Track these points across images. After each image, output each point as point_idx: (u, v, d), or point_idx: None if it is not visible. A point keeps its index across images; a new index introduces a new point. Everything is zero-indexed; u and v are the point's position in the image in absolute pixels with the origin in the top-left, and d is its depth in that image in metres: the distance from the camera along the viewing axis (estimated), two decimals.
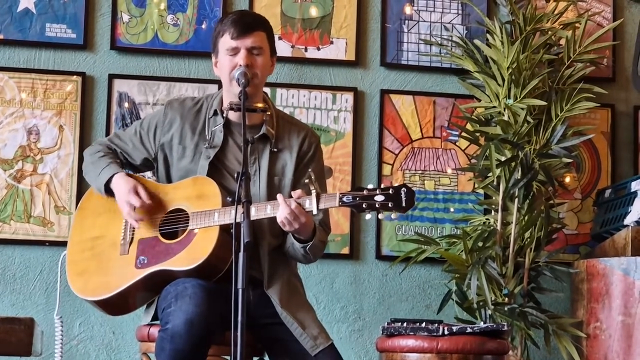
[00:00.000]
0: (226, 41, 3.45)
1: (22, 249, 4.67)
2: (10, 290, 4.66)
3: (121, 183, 3.47)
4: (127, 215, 3.44)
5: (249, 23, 3.47)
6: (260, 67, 3.46)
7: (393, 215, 3.23)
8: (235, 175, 3.07)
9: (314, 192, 3.24)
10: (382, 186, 3.23)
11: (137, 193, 3.43)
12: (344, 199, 3.22)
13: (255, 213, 3.28)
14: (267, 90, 4.42)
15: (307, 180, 3.24)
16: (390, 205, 3.19)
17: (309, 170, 3.28)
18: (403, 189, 3.20)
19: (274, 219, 3.31)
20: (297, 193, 3.28)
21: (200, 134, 3.54)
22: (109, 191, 3.51)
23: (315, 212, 3.26)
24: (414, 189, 3.24)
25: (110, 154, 3.60)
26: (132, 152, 3.62)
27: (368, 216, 3.26)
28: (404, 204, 3.19)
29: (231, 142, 3.52)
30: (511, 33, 4.72)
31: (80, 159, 4.18)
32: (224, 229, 3.32)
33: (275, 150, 3.53)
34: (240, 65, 3.41)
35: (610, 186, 4.91)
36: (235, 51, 3.44)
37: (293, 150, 3.55)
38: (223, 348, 3.32)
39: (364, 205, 3.21)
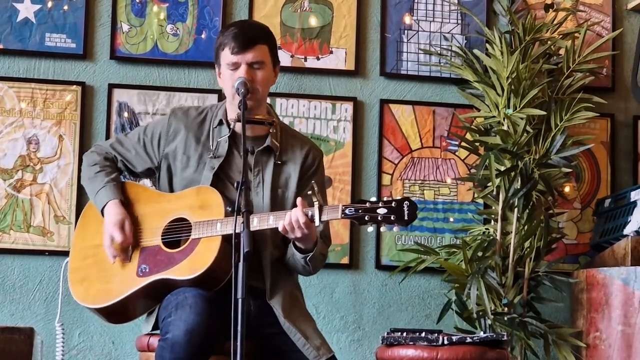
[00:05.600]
0: (227, 55, 3.44)
1: (21, 259, 4.66)
2: (10, 300, 4.65)
3: (111, 213, 3.46)
4: (106, 248, 3.45)
5: (250, 37, 3.44)
6: (260, 82, 3.45)
7: (395, 227, 3.22)
8: (235, 184, 3.07)
9: (316, 204, 3.24)
10: (385, 199, 3.23)
11: (122, 228, 3.43)
12: (347, 211, 3.22)
13: (258, 224, 3.29)
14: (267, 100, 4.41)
15: (309, 192, 3.24)
16: (392, 218, 3.18)
17: (312, 182, 3.27)
18: (406, 202, 3.19)
19: (276, 229, 3.31)
20: (298, 201, 3.28)
21: (204, 144, 3.53)
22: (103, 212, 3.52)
23: (317, 223, 3.26)
24: (413, 199, 3.23)
25: (108, 167, 3.58)
26: (134, 159, 3.61)
27: (370, 229, 3.26)
28: (406, 217, 3.19)
29: (236, 154, 3.51)
30: (510, 43, 4.73)
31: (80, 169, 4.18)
32: (226, 239, 3.32)
33: (279, 162, 3.52)
34: (241, 76, 3.41)
35: (609, 196, 4.91)
36: (235, 66, 3.43)
37: (297, 164, 3.54)
38: (223, 358, 3.31)
39: (366, 218, 3.20)
